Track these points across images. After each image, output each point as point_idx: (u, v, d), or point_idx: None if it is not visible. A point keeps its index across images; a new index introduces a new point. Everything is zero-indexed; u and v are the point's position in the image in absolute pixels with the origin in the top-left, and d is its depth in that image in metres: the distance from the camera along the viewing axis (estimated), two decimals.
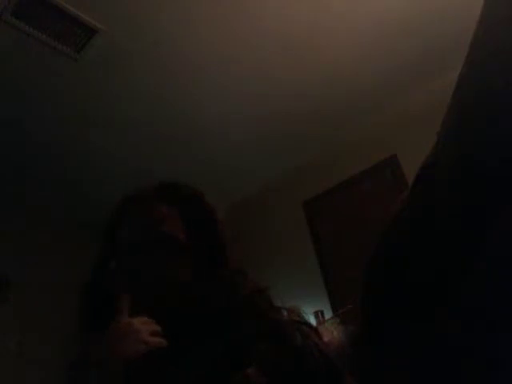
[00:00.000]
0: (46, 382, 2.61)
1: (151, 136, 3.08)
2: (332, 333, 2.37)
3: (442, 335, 0.51)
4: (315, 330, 0.82)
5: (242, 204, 3.78)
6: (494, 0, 0.48)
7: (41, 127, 2.80)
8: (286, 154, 3.49)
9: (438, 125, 0.52)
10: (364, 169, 3.28)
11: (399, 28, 2.63)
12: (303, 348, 0.73)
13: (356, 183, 3.29)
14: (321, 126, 3.29)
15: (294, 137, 3.33)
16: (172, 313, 0.79)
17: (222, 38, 2.47)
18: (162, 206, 0.88)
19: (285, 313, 0.81)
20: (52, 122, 2.79)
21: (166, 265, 0.82)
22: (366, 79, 2.95)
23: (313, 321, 2.89)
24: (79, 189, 3.40)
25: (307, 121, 3.20)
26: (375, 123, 3.28)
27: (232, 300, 0.79)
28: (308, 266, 3.32)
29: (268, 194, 3.75)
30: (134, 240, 0.85)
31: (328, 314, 3.00)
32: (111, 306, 0.77)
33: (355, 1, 2.41)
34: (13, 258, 3.15)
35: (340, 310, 2.78)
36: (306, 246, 3.39)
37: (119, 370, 0.69)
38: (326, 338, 1.17)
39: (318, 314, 2.96)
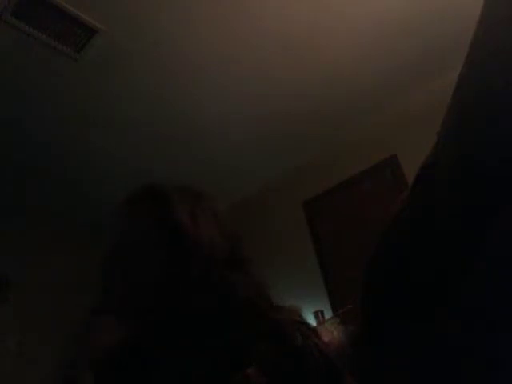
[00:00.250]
0: (45, 382, 2.60)
1: (151, 136, 3.07)
2: (332, 333, 2.37)
3: (442, 335, 0.50)
4: (314, 330, 0.82)
5: (242, 204, 3.78)
6: (494, 0, 0.48)
7: (41, 127, 2.80)
8: (286, 154, 3.49)
9: (438, 125, 0.52)
10: (364, 169, 3.28)
11: (399, 28, 2.63)
12: (303, 348, 0.73)
13: (356, 183, 3.29)
14: (321, 126, 3.29)
15: (294, 137, 3.33)
16: (172, 313, 0.79)
17: (222, 38, 2.47)
18: None
19: (285, 313, 0.81)
20: (52, 121, 2.79)
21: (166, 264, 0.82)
22: (366, 79, 2.95)
23: (313, 321, 2.89)
24: (79, 189, 3.40)
25: (307, 121, 3.20)
26: (375, 123, 3.28)
27: (232, 300, 0.79)
28: (308, 265, 3.32)
29: (268, 193, 3.75)
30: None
31: (328, 314, 3.00)
32: None
33: (355, 1, 2.41)
34: (13, 257, 3.15)
35: (340, 310, 2.78)
36: (306, 246, 3.39)
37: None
38: (326, 338, 1.17)
39: (318, 314, 2.96)
